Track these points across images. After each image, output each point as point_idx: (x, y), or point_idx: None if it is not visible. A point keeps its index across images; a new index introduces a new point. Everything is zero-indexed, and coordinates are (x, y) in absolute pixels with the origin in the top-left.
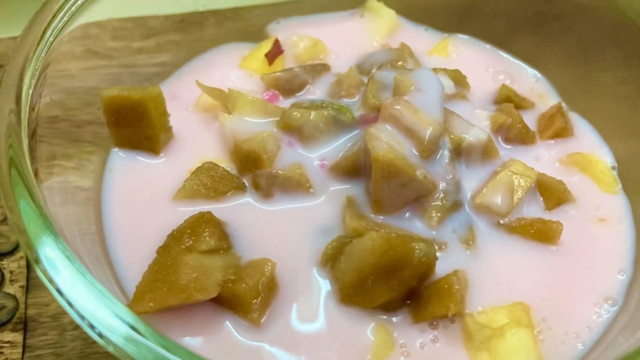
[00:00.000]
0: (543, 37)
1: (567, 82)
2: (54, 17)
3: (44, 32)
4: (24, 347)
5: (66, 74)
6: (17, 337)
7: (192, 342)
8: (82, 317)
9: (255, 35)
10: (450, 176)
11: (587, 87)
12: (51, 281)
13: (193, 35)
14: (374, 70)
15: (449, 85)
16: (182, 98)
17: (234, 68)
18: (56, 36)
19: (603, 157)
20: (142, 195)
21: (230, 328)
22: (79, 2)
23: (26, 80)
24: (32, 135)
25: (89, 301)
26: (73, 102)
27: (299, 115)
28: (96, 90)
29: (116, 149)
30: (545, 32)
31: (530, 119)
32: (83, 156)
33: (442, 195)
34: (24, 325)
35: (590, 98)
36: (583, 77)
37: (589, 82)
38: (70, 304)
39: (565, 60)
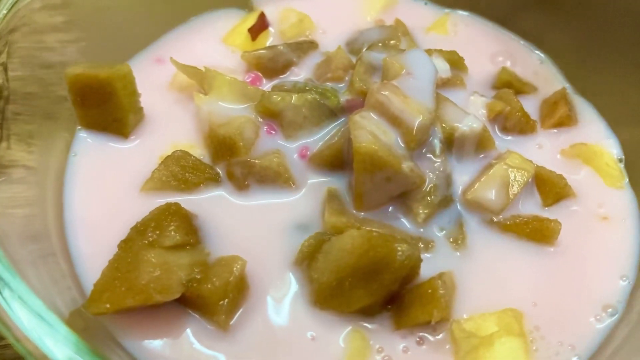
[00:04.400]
0: (551, 14)
1: (575, 64)
2: None
3: None
4: None
5: (44, 47)
6: None
7: (152, 345)
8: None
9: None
10: (441, 169)
11: (597, 69)
12: None
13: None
14: (364, 51)
15: (444, 68)
16: (167, 61)
17: (217, 42)
18: None
19: (609, 148)
20: (108, 183)
21: (194, 333)
22: None
23: None
24: None
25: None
26: (52, 77)
27: (279, 98)
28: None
29: (83, 131)
30: (553, 8)
31: (532, 105)
32: (58, 134)
33: (430, 189)
34: None
35: (599, 81)
36: (592, 58)
37: (598, 64)
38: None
39: (573, 39)
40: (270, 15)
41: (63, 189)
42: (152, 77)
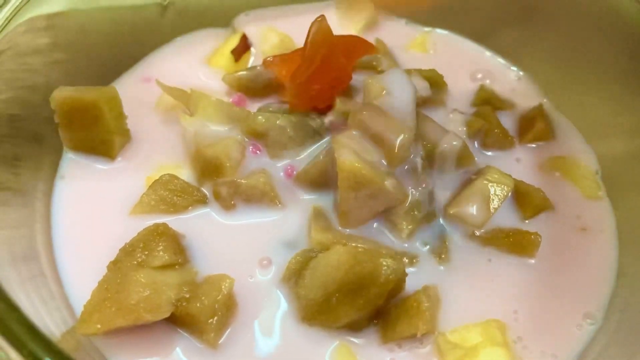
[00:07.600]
0: (528, 33)
1: (552, 80)
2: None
3: None
4: None
5: (29, 69)
6: None
7: None
8: None
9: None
10: (423, 185)
11: (572, 85)
12: None
13: (165, 20)
14: None
15: (423, 86)
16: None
17: (201, 63)
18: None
19: (586, 160)
20: (96, 204)
21: (184, 351)
22: None
23: None
24: None
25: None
26: (37, 99)
27: (264, 119)
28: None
29: (70, 153)
30: (530, 27)
31: (510, 121)
32: (44, 157)
33: (413, 205)
34: None
35: (575, 97)
36: (568, 75)
37: (574, 80)
38: None
39: (550, 57)
40: (251, 36)
41: (51, 211)
42: (138, 98)
